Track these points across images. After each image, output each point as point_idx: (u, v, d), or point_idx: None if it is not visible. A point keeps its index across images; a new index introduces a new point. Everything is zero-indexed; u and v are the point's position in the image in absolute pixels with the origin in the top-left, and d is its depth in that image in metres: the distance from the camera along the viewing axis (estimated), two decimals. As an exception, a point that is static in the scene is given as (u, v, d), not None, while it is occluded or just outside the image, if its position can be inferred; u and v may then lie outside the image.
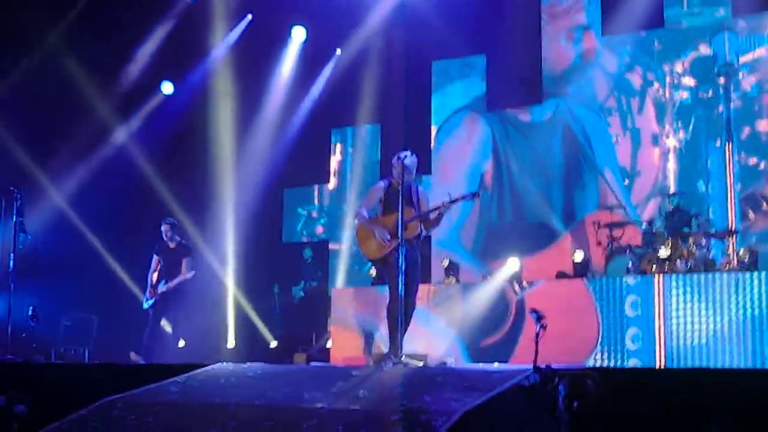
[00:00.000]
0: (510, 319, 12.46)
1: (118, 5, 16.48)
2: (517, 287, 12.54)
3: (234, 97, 17.94)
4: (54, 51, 16.01)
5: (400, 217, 8.88)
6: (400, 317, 8.92)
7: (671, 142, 15.00)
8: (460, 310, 12.82)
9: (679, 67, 15.10)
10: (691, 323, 11.16)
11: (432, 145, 17.06)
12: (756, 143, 14.35)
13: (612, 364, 11.42)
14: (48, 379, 9.11)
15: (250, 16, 17.75)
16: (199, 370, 8.51)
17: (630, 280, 11.79)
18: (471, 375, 7.36)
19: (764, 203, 14.06)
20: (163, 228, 12.80)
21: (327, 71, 18.06)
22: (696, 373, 7.81)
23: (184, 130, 17.74)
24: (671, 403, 6.47)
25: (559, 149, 15.92)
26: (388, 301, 9.28)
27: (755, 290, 10.90)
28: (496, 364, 10.82)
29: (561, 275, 13.00)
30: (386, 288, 9.42)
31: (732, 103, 14.55)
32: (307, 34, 17.77)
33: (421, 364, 9.47)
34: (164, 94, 18.00)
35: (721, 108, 14.66)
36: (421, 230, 9.32)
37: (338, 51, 17.85)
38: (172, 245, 12.78)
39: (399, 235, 8.85)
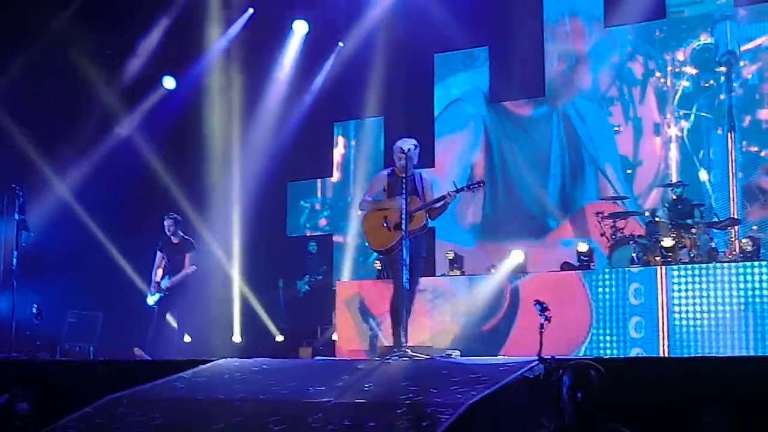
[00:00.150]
0: (503, 310, 12.51)
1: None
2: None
3: (237, 91, 17.93)
4: (57, 43, 15.99)
5: (404, 209, 8.87)
6: (403, 311, 8.94)
7: (673, 131, 15.00)
8: (465, 302, 12.84)
9: (680, 56, 15.10)
10: (693, 312, 11.19)
11: (434, 135, 17.06)
12: (757, 132, 14.36)
13: (615, 354, 11.45)
14: (53, 376, 9.11)
15: (251, 10, 17.74)
16: (204, 366, 8.52)
17: (633, 269, 11.82)
18: (476, 367, 7.35)
19: (761, 195, 14.10)
20: (165, 223, 12.80)
21: (329, 64, 18.04)
22: (700, 361, 7.82)
23: (186, 124, 17.73)
24: (675, 393, 6.49)
25: (557, 141, 15.91)
26: (391, 294, 9.29)
27: (757, 279, 10.92)
28: (500, 356, 10.85)
29: (566, 266, 13.00)
30: (391, 281, 9.42)
31: (733, 92, 14.55)
32: (309, 28, 17.76)
33: (426, 357, 9.48)
34: (166, 89, 17.98)
35: (722, 97, 14.67)
36: (427, 220, 9.32)
37: (340, 44, 17.83)
38: (175, 240, 12.78)
39: (403, 227, 8.85)
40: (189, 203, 17.05)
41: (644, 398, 6.51)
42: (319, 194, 18.71)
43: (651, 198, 14.87)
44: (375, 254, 12.50)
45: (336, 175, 18.56)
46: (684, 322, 11.23)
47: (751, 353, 10.66)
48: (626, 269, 11.94)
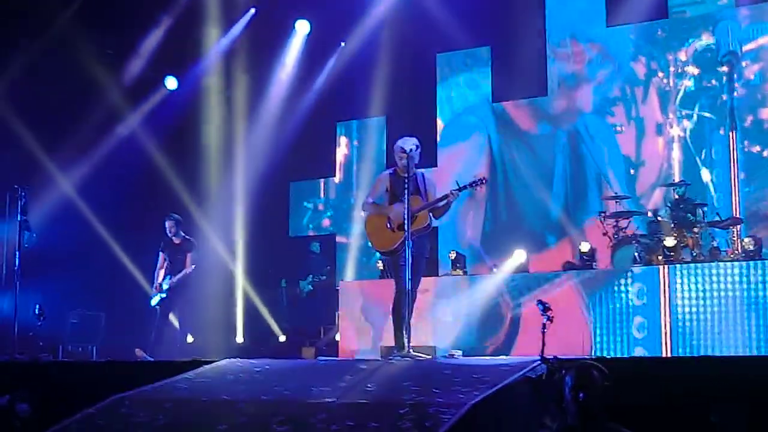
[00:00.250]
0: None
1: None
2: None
3: (239, 90, 17.95)
4: (58, 44, 15.99)
5: (406, 210, 8.87)
6: (406, 311, 8.93)
7: (675, 131, 14.99)
8: (467, 302, 12.84)
9: (682, 56, 15.08)
10: (696, 312, 11.18)
11: (437, 139, 17.04)
12: (759, 131, 14.36)
13: (618, 354, 11.45)
14: (56, 377, 9.12)
15: (253, 10, 17.74)
16: (207, 367, 8.53)
17: (636, 269, 11.82)
18: (478, 368, 7.36)
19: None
20: (167, 224, 12.82)
21: (331, 64, 18.04)
22: (703, 361, 7.82)
23: (189, 124, 17.75)
24: (677, 393, 6.49)
25: (561, 151, 15.90)
26: (394, 294, 9.29)
27: (760, 278, 10.92)
28: (502, 357, 10.85)
29: (568, 266, 12.99)
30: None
31: (735, 92, 14.55)
32: (311, 27, 17.77)
33: (428, 357, 9.48)
34: (168, 89, 17.98)
35: (724, 97, 14.65)
36: (431, 220, 9.31)
37: (342, 44, 17.83)
38: (176, 241, 12.81)
39: (406, 228, 8.85)
40: (192, 203, 17.06)
41: (647, 398, 6.52)
42: (322, 194, 18.70)
43: (653, 198, 14.83)
44: (378, 254, 12.50)
45: (339, 176, 18.54)
46: (686, 322, 11.23)
47: (754, 352, 10.66)
48: (629, 269, 11.94)
